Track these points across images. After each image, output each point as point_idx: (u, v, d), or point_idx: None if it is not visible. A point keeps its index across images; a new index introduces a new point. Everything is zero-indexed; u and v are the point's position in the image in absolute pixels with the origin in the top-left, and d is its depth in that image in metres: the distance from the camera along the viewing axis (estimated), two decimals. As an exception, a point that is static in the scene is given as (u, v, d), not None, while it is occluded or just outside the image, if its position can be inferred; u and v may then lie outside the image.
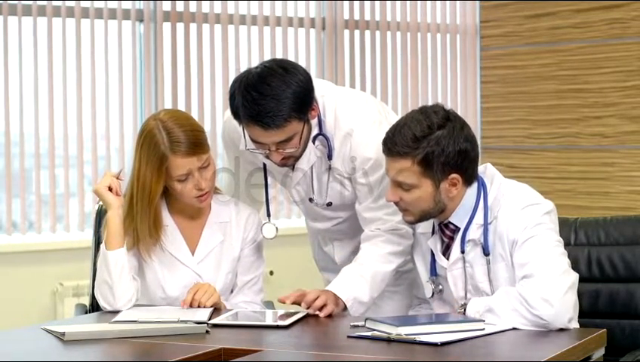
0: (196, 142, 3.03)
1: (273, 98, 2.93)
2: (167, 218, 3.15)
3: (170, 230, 3.14)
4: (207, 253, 3.16)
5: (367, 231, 3.18)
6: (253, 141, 3.04)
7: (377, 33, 6.19)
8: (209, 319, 2.85)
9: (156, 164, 3.01)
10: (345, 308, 3.04)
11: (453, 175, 2.85)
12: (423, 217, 2.93)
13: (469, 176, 2.89)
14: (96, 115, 5.39)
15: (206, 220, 3.18)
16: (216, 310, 3.01)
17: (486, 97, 5.34)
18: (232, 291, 3.21)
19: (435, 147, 2.82)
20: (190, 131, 3.03)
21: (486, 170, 2.97)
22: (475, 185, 2.92)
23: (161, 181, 3.03)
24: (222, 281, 3.16)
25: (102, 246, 3.09)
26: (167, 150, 3.00)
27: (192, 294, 3.02)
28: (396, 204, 2.92)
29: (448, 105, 2.98)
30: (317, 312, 2.97)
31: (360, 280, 3.09)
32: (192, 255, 3.15)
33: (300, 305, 2.99)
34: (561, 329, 2.72)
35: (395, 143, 2.85)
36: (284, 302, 2.99)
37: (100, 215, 3.37)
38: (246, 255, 3.21)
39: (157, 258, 3.13)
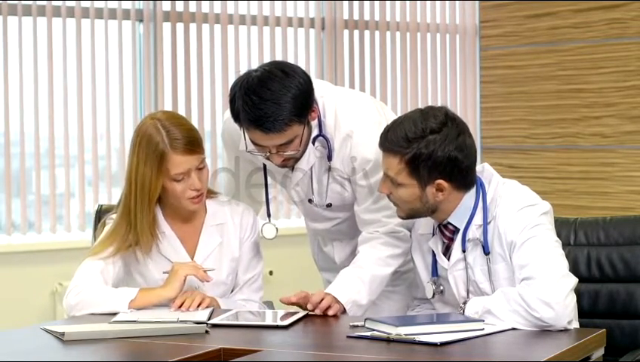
0: (195, 141, 3.04)
1: (273, 102, 2.93)
2: (163, 225, 3.13)
3: (167, 237, 3.13)
4: (206, 257, 3.14)
5: (365, 234, 3.18)
6: (254, 143, 3.03)
7: (377, 33, 6.19)
8: (209, 319, 2.85)
9: (155, 162, 3.01)
10: (344, 311, 3.04)
11: (440, 181, 2.84)
12: (412, 215, 2.94)
13: (459, 184, 2.87)
14: (97, 115, 5.39)
15: (203, 223, 3.18)
16: (216, 310, 3.00)
17: (486, 97, 5.34)
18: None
19: (423, 150, 2.82)
20: (189, 130, 3.05)
21: (484, 170, 2.97)
22: (473, 187, 2.92)
23: (160, 179, 3.02)
24: (223, 283, 3.15)
25: (124, 299, 2.97)
26: (166, 147, 3.00)
27: (181, 300, 2.99)
28: (388, 197, 2.93)
29: (448, 105, 2.97)
30: (324, 313, 2.97)
31: (358, 284, 3.08)
32: (192, 259, 3.13)
33: (302, 307, 2.99)
34: (561, 330, 2.72)
35: (387, 139, 2.86)
36: (286, 303, 2.99)
37: (99, 214, 3.37)
38: (244, 253, 3.21)
39: (155, 266, 3.12)
